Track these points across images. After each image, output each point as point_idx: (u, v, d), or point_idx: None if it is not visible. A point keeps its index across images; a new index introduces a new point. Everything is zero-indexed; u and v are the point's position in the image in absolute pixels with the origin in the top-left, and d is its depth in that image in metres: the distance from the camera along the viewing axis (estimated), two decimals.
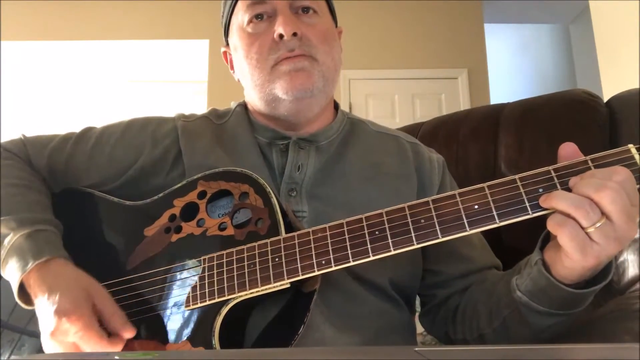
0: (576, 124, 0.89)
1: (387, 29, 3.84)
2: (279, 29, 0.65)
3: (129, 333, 0.56)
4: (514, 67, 5.02)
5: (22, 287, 0.59)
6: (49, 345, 0.55)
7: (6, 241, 0.60)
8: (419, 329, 0.82)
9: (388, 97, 3.78)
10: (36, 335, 0.62)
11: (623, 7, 2.20)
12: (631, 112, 0.84)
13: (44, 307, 0.55)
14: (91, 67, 4.40)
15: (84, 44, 3.87)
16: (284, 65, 0.66)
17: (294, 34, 0.65)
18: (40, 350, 0.61)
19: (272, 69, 0.67)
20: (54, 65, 4.31)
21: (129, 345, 0.57)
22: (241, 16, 0.70)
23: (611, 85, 2.30)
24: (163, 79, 4.69)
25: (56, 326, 0.53)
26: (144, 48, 4.03)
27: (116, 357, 0.37)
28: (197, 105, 4.16)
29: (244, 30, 0.70)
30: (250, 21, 0.69)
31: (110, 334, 0.56)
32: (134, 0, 3.80)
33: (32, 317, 0.62)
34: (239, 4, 0.71)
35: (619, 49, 2.25)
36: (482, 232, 0.73)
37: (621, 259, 0.75)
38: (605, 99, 0.92)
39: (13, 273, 0.58)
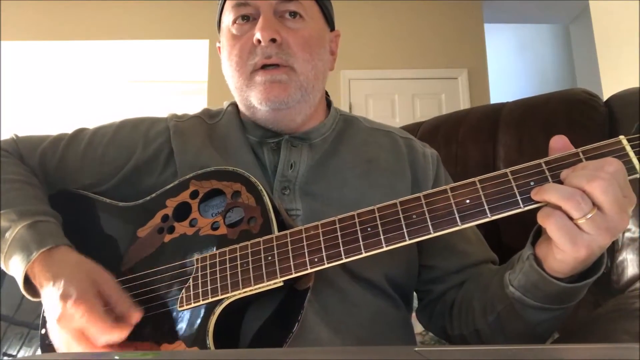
0: (575, 123, 0.88)
1: (387, 29, 3.84)
2: (257, 33, 0.64)
3: (136, 316, 0.56)
4: (514, 67, 5.01)
5: (27, 280, 0.58)
6: (56, 333, 0.55)
7: (7, 234, 0.59)
8: (419, 328, 0.82)
9: (388, 97, 3.77)
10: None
11: (623, 7, 2.20)
12: (630, 111, 0.83)
13: (50, 294, 0.55)
14: (91, 67, 4.40)
15: (84, 44, 3.86)
16: (260, 75, 0.66)
17: (273, 40, 0.64)
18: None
19: (250, 76, 0.67)
20: (54, 65, 4.31)
21: (122, 347, 0.56)
22: (227, 16, 0.70)
23: (611, 85, 2.29)
24: (163, 79, 4.69)
25: (62, 311, 0.53)
26: (144, 48, 4.03)
27: (116, 357, 0.36)
28: (197, 105, 4.14)
29: (229, 31, 0.70)
30: (234, 22, 0.69)
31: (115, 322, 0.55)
32: (134, 0, 3.80)
33: (40, 311, 0.61)
34: (227, 3, 0.71)
35: (619, 49, 2.24)
36: (479, 230, 0.73)
37: (620, 258, 0.75)
38: (605, 98, 0.91)
39: (17, 265, 0.58)
